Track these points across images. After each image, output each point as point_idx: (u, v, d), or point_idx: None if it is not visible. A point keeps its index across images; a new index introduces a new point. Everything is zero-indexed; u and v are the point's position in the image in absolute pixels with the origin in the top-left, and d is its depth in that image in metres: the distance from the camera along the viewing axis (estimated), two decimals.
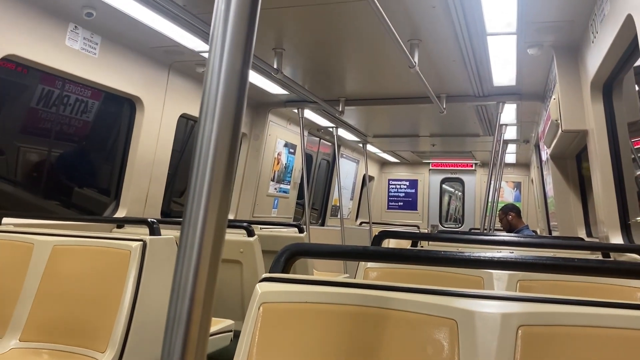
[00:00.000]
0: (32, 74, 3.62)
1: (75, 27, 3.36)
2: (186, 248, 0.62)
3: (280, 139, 6.24)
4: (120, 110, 4.27)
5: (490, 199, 5.59)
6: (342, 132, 7.15)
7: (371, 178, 10.47)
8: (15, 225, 3.04)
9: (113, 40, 3.66)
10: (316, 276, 1.87)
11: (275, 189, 6.37)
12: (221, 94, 0.64)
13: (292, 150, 6.63)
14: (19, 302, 2.53)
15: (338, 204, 7.48)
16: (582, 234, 4.65)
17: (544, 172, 6.01)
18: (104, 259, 2.50)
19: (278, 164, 6.33)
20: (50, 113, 3.86)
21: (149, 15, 3.18)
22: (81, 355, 2.32)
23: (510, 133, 6.59)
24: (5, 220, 3.06)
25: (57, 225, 3.23)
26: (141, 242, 2.46)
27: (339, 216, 7.34)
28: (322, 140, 7.82)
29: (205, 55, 3.94)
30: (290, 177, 6.72)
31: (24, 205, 3.82)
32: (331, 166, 8.56)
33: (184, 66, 4.34)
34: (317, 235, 6.83)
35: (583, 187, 4.77)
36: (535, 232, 7.20)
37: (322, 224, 8.61)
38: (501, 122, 5.12)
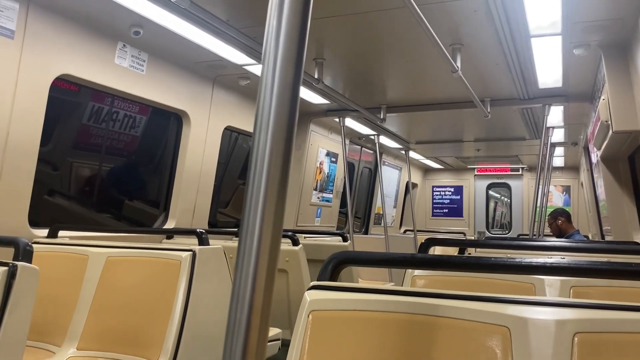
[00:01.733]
0: (84, 92, 3.77)
1: (124, 45, 3.48)
2: (244, 257, 0.64)
3: (322, 148, 6.28)
4: (167, 124, 4.39)
5: (538, 204, 5.45)
6: (384, 140, 7.12)
7: (414, 185, 10.37)
8: (70, 237, 3.16)
9: (159, 56, 3.78)
10: (364, 284, 1.87)
11: (318, 198, 6.40)
12: (274, 107, 0.66)
13: (333, 159, 6.65)
14: (76, 312, 2.62)
15: (381, 212, 7.44)
16: (637, 238, 4.47)
17: (595, 175, 5.82)
18: (155, 269, 2.56)
19: (320, 173, 6.36)
20: (101, 129, 4.00)
21: (193, 31, 3.27)
22: None
23: (558, 136, 6.42)
24: (61, 233, 3.18)
25: (109, 237, 3.34)
26: (191, 252, 2.52)
27: (382, 224, 7.29)
28: (363, 148, 7.81)
29: (248, 68, 4.05)
30: (333, 185, 6.74)
31: (78, 219, 3.97)
32: (373, 174, 8.53)
33: (227, 79, 4.43)
34: (361, 243, 6.81)
35: (637, 190, 4.60)
36: (586, 237, 6.97)
37: (366, 233, 8.58)
38: (548, 125, 5.00)
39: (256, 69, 4.08)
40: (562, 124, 5.74)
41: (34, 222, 3.11)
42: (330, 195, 6.70)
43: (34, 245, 2.05)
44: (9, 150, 2.84)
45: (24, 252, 1.90)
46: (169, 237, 4.03)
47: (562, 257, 2.61)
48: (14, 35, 2.79)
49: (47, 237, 3.11)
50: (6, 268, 1.80)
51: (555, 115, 5.17)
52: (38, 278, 1.88)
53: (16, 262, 1.83)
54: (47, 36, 2.97)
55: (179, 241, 3.93)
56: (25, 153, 2.93)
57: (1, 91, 2.77)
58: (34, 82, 2.92)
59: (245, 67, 4.04)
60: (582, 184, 8.24)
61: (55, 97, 3.13)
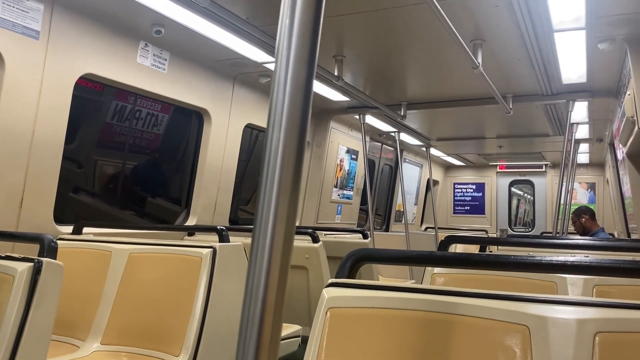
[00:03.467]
0: (107, 91, 3.83)
1: (146, 44, 3.52)
2: (257, 253, 0.65)
3: (342, 146, 6.27)
4: (188, 122, 4.43)
5: (562, 202, 5.36)
6: (405, 137, 7.08)
7: (436, 182, 10.30)
8: (94, 234, 3.21)
9: (180, 55, 3.82)
10: (383, 282, 1.87)
11: (339, 195, 6.40)
12: (287, 104, 0.66)
13: (354, 157, 6.64)
14: (100, 307, 2.67)
15: (402, 210, 7.41)
16: None
17: (620, 172, 5.70)
18: (176, 266, 2.60)
19: (340, 170, 6.35)
20: (124, 127, 4.06)
21: (214, 29, 3.29)
22: (157, 359, 2.42)
23: (582, 132, 6.31)
24: (85, 229, 3.24)
25: (132, 234, 3.39)
26: (211, 249, 2.54)
27: (403, 222, 7.26)
28: (384, 145, 7.78)
29: (269, 66, 4.07)
30: (353, 183, 6.73)
31: (102, 215, 4.03)
32: (394, 171, 8.50)
33: (248, 77, 4.46)
34: (382, 240, 6.79)
35: None
36: (612, 235, 6.84)
37: (387, 230, 8.55)
38: (572, 121, 4.92)
39: None
40: (586, 120, 5.64)
41: (59, 219, 3.17)
42: (351, 193, 6.70)
43: (58, 242, 2.09)
44: (34, 149, 2.90)
45: (49, 248, 1.94)
46: (190, 234, 4.08)
47: (586, 255, 2.56)
48: (39, 35, 2.84)
49: (72, 233, 3.17)
50: (31, 264, 1.84)
51: (579, 111, 5.08)
52: (62, 274, 1.92)
53: (41, 258, 1.87)
54: (70, 36, 3.02)
55: (200, 238, 3.97)
56: (50, 151, 2.99)
57: (27, 91, 2.82)
58: (58, 81, 2.98)
59: (266, 65, 4.06)
60: (607, 181, 8.09)
61: (79, 95, 3.18)
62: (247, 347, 0.62)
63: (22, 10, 2.74)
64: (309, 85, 0.67)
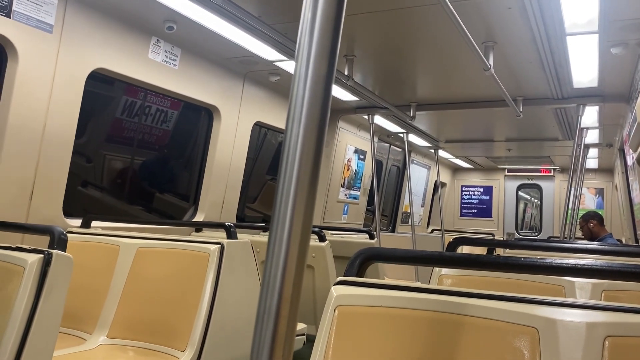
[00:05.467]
0: (118, 86, 3.84)
1: (157, 40, 3.54)
2: (274, 247, 0.65)
3: (350, 145, 6.27)
4: (197, 119, 4.45)
5: (570, 206, 5.34)
6: (413, 138, 7.07)
7: (443, 184, 10.27)
8: (102, 228, 3.23)
9: (192, 52, 3.83)
10: (391, 281, 1.87)
11: (345, 195, 6.40)
12: (306, 104, 0.67)
13: (362, 157, 6.64)
14: (107, 300, 2.68)
15: (409, 211, 7.40)
16: None
17: (630, 178, 5.67)
18: (184, 261, 2.61)
19: (348, 170, 6.35)
20: (133, 123, 4.08)
21: (225, 27, 3.30)
22: (163, 354, 2.43)
23: (592, 137, 6.28)
24: (94, 223, 3.26)
25: (140, 229, 3.40)
26: (219, 245, 2.55)
27: (409, 223, 7.25)
28: (392, 146, 7.77)
29: (279, 64, 4.07)
30: (360, 183, 6.73)
31: (110, 210, 4.05)
32: (401, 172, 8.49)
33: (258, 75, 4.47)
34: (388, 241, 6.79)
35: None
36: (620, 241, 6.81)
37: (393, 231, 8.54)
38: (582, 126, 4.89)
39: (287, 65, 4.10)
40: (596, 124, 5.61)
41: (68, 212, 3.19)
42: (358, 193, 6.69)
43: (67, 235, 2.10)
44: (45, 142, 2.92)
45: (59, 241, 1.95)
46: (197, 230, 4.09)
47: (594, 260, 2.55)
48: (53, 29, 2.86)
49: (81, 227, 3.19)
50: (42, 255, 1.85)
51: (589, 115, 5.05)
52: (72, 266, 1.93)
53: (51, 250, 1.88)
54: (84, 31, 3.04)
55: (208, 234, 3.98)
56: (61, 145, 3.00)
57: (39, 84, 2.84)
58: (70, 75, 3.00)
59: (276, 63, 4.07)
60: (616, 187, 8.05)
61: (89, 90, 3.20)
62: (263, 339, 0.63)
63: (37, 4, 2.76)
64: (328, 84, 0.68)
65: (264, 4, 3.08)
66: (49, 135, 2.93)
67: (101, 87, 3.74)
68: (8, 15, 2.64)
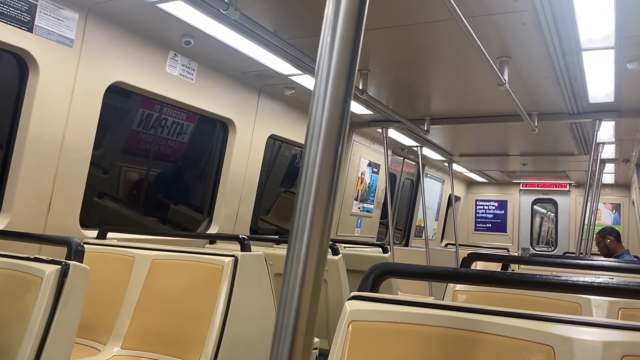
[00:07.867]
0: (134, 98, 3.90)
1: (175, 54, 3.59)
2: (292, 263, 0.66)
3: (364, 159, 6.28)
4: (213, 131, 4.49)
5: (586, 222, 5.28)
6: (427, 151, 7.06)
7: (457, 198, 10.22)
8: (118, 239, 3.26)
9: (208, 66, 3.88)
10: (406, 296, 1.86)
11: (359, 208, 6.39)
12: (325, 120, 0.68)
13: (375, 170, 6.64)
14: (121, 311, 2.70)
15: (422, 225, 7.37)
16: None
17: None
18: (198, 273, 2.62)
19: (362, 183, 6.35)
20: (149, 135, 4.12)
21: (242, 41, 3.34)
22: None
23: (608, 152, 6.22)
24: (109, 234, 3.29)
25: (155, 240, 3.43)
26: (233, 258, 2.56)
27: (423, 237, 7.22)
28: (406, 159, 7.76)
29: (294, 78, 4.10)
30: (374, 196, 6.72)
31: (126, 221, 4.09)
32: (415, 186, 8.46)
33: (273, 89, 4.50)
34: (401, 255, 6.75)
35: None
36: (637, 257, 6.71)
37: (406, 245, 8.50)
38: (598, 141, 4.85)
39: (301, 79, 4.13)
40: (613, 139, 5.56)
41: (84, 223, 3.23)
42: (371, 206, 6.68)
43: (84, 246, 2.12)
44: (63, 154, 2.96)
45: (76, 252, 1.98)
46: (211, 242, 4.11)
47: (611, 277, 2.52)
48: (73, 44, 2.92)
49: (97, 238, 3.22)
50: (59, 266, 1.87)
51: (605, 130, 5.01)
52: (88, 277, 1.95)
53: (68, 261, 1.90)
54: (103, 45, 3.09)
55: (222, 246, 4.00)
56: (78, 157, 3.05)
57: (59, 97, 2.89)
58: (89, 89, 3.05)
59: (291, 77, 4.10)
60: (633, 202, 7.94)
61: (106, 102, 3.25)
62: (280, 354, 0.63)
63: (58, 19, 2.82)
64: (347, 100, 0.69)
65: (280, 19, 3.12)
66: (68, 148, 2.98)
67: (118, 99, 3.79)
68: (30, 30, 2.70)
